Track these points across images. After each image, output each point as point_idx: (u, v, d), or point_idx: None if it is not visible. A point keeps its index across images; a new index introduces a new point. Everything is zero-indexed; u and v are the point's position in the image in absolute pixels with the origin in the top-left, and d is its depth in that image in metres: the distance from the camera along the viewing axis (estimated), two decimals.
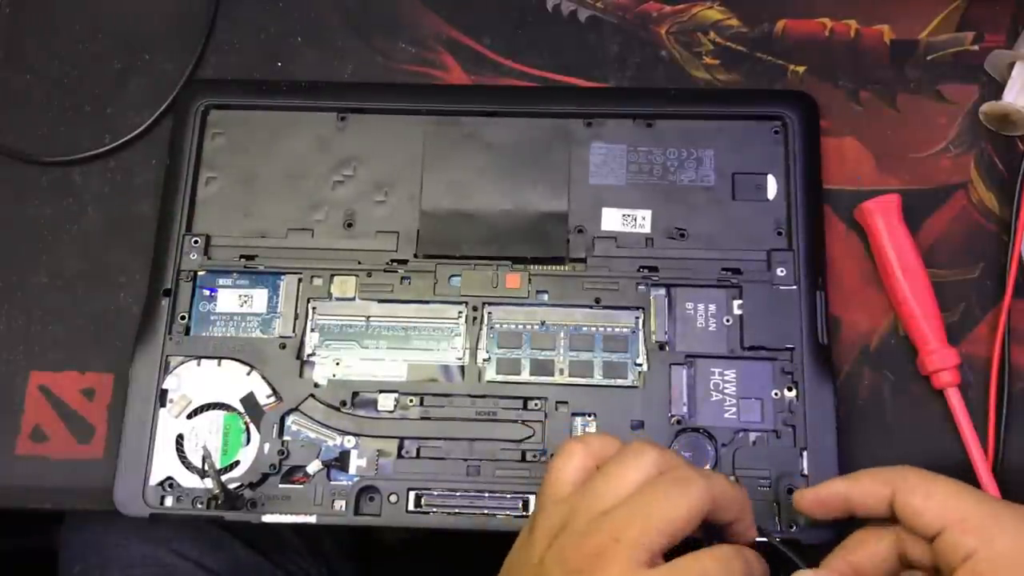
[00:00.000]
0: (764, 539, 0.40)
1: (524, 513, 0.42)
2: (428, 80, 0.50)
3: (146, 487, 0.43)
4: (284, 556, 0.55)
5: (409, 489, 0.43)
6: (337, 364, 0.45)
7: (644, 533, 0.32)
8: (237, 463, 0.43)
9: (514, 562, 0.36)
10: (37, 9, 0.52)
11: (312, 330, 0.45)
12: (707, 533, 0.35)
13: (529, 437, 0.43)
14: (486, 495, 0.43)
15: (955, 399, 0.44)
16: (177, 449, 0.43)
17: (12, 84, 0.51)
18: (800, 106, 0.47)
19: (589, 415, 0.43)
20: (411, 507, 0.42)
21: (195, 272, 0.46)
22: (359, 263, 0.46)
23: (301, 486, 0.43)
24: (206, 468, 0.42)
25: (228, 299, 0.46)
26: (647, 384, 0.44)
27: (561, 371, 0.44)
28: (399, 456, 0.43)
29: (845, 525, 0.40)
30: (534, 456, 0.43)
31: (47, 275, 0.48)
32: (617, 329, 0.45)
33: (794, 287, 0.44)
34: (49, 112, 0.50)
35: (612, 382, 0.44)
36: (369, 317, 0.45)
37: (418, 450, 0.43)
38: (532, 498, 0.42)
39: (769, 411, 0.43)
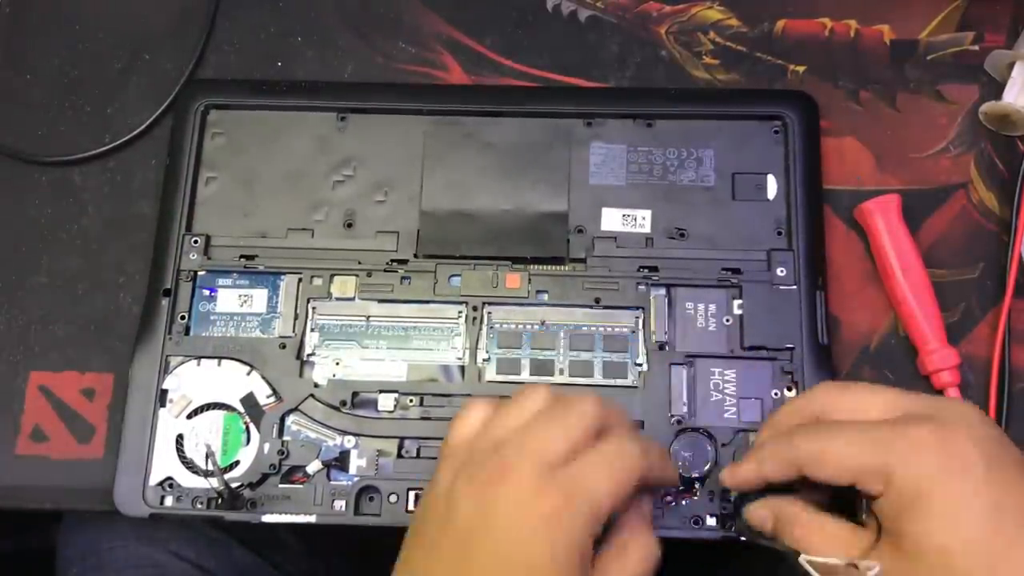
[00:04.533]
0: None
1: None
2: (428, 80, 0.50)
3: (146, 487, 0.43)
4: (282, 556, 0.55)
5: (409, 489, 0.42)
6: (337, 364, 0.45)
7: (545, 441, 0.33)
8: (237, 463, 0.43)
9: (421, 513, 0.36)
10: (37, 9, 0.52)
11: (312, 330, 0.45)
12: None
13: None
14: None
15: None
16: (177, 449, 0.43)
17: (12, 84, 0.51)
18: (800, 106, 0.47)
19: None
20: (411, 507, 0.42)
21: (195, 272, 0.46)
22: (359, 263, 0.46)
23: (301, 486, 0.43)
24: (209, 467, 0.42)
25: (228, 299, 0.46)
26: (647, 384, 0.44)
27: (561, 371, 0.44)
28: (399, 456, 0.43)
29: None
30: None
31: (47, 275, 0.48)
32: (617, 329, 0.45)
33: (794, 287, 0.44)
34: (49, 112, 0.50)
35: (612, 382, 0.44)
36: (369, 317, 0.45)
37: (418, 450, 0.43)
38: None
39: (769, 411, 0.43)
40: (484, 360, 0.44)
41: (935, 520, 0.32)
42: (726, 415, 0.43)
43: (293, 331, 0.45)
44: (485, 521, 0.33)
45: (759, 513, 0.38)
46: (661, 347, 0.44)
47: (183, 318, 0.45)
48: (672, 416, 0.43)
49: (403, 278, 0.45)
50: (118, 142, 0.49)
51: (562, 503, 0.32)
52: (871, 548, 0.34)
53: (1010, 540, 0.32)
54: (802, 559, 0.37)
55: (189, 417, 0.44)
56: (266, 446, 0.43)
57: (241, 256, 0.46)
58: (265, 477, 0.43)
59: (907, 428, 0.34)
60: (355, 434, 0.43)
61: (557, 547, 0.32)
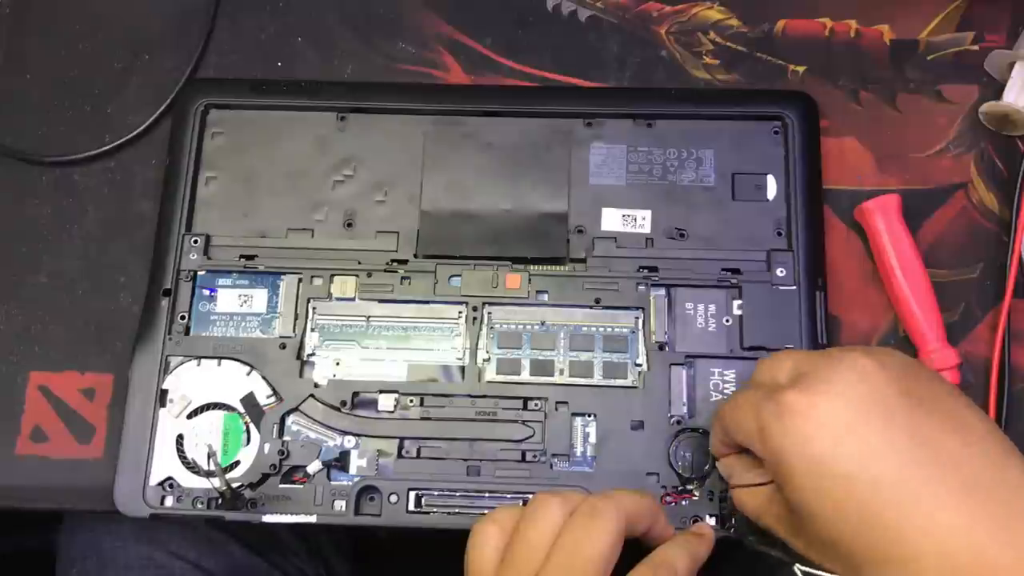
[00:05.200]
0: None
1: None
2: (428, 80, 0.50)
3: (146, 487, 0.43)
4: (282, 557, 0.55)
5: (409, 489, 0.42)
6: (337, 364, 0.45)
7: (585, 573, 0.33)
8: (237, 463, 0.43)
9: None
10: (37, 9, 0.52)
11: (312, 330, 0.45)
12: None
13: (529, 437, 0.43)
14: (486, 495, 0.43)
15: None
16: (177, 449, 0.43)
17: (12, 84, 0.51)
18: (800, 106, 0.47)
19: (589, 415, 0.43)
20: (411, 507, 0.42)
21: (195, 272, 0.46)
22: (359, 263, 0.46)
23: (301, 486, 0.43)
24: (211, 467, 0.42)
25: (228, 299, 0.46)
26: (647, 384, 0.44)
27: (561, 371, 0.44)
28: (399, 456, 0.43)
29: None
30: (534, 456, 0.43)
31: (47, 275, 0.48)
32: (617, 329, 0.45)
33: (794, 287, 0.44)
34: (49, 112, 0.50)
35: (612, 382, 0.44)
36: (369, 317, 0.45)
37: (418, 450, 0.43)
38: (521, 503, 0.42)
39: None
40: (484, 360, 0.44)
41: (800, 487, 0.33)
42: None
43: (293, 331, 0.45)
44: None
45: (722, 469, 0.40)
46: (661, 347, 0.44)
47: (183, 318, 0.45)
48: (672, 416, 0.43)
49: (403, 278, 0.45)
50: (118, 142, 0.49)
51: None
52: (772, 503, 0.36)
53: (871, 504, 0.31)
54: (796, 568, 0.37)
55: (189, 417, 0.44)
56: (266, 446, 0.43)
57: (241, 256, 0.46)
58: (265, 477, 0.43)
59: (780, 393, 0.34)
60: (355, 434, 0.43)
61: None
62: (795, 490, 0.33)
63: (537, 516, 0.35)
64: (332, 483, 0.43)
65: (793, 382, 0.34)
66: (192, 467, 0.43)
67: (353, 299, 0.45)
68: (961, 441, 0.32)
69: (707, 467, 0.42)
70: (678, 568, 0.36)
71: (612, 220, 0.46)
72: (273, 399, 0.44)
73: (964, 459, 0.31)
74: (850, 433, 0.32)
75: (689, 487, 0.42)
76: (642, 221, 0.46)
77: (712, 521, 0.42)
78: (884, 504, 0.31)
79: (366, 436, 0.43)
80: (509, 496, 0.42)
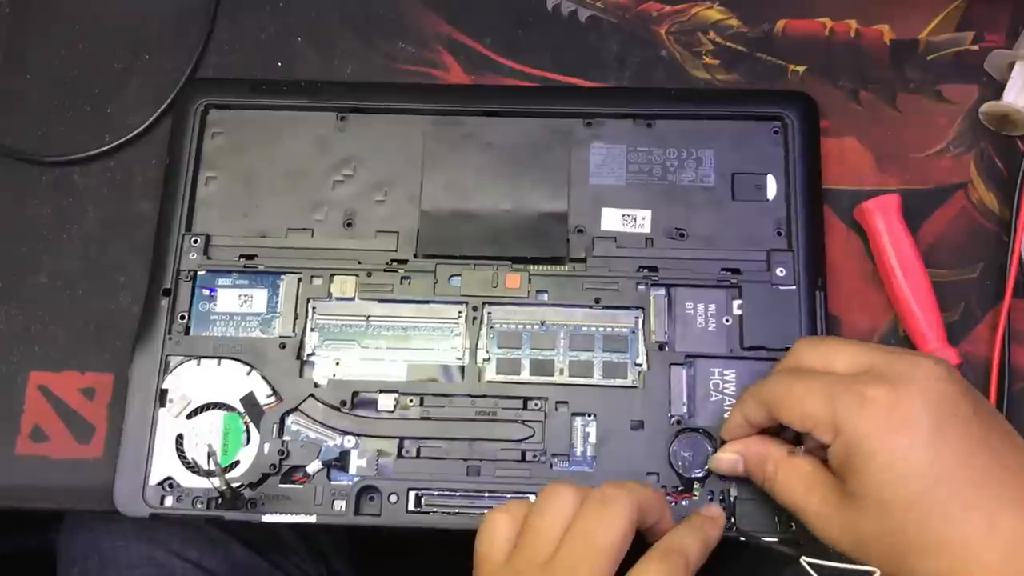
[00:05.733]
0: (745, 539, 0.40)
1: None
2: (428, 80, 0.50)
3: (146, 487, 0.43)
4: (282, 556, 0.55)
5: (409, 489, 0.42)
6: (337, 364, 0.45)
7: (596, 563, 0.34)
8: (237, 463, 0.43)
9: None
10: (37, 9, 0.52)
11: (312, 330, 0.45)
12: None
13: (529, 437, 0.43)
14: (486, 495, 0.43)
15: None
16: (177, 449, 0.43)
17: (12, 84, 0.51)
18: (800, 106, 0.47)
19: (589, 415, 0.43)
20: (411, 507, 0.42)
21: (195, 272, 0.46)
22: (359, 263, 0.46)
23: (301, 486, 0.43)
24: (211, 466, 0.42)
25: (228, 299, 0.46)
26: (647, 384, 0.44)
27: (561, 371, 0.44)
28: (399, 456, 0.43)
29: None
30: (534, 456, 0.43)
31: (47, 275, 0.48)
32: (617, 329, 0.45)
33: (794, 287, 0.44)
34: (49, 112, 0.50)
35: (612, 382, 0.44)
36: (369, 317, 0.45)
37: (418, 450, 0.43)
38: (532, 498, 0.42)
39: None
40: (484, 360, 0.44)
41: (874, 476, 0.34)
42: (726, 415, 0.43)
43: (293, 331, 0.45)
44: None
45: (728, 457, 0.40)
46: (661, 347, 0.44)
47: (183, 318, 0.45)
48: (672, 416, 0.43)
49: (403, 278, 0.45)
50: (118, 142, 0.49)
51: None
52: (824, 489, 0.36)
53: (944, 501, 0.33)
54: (803, 560, 0.37)
55: (189, 417, 0.44)
56: (266, 446, 0.43)
57: (241, 256, 0.46)
58: (265, 477, 0.43)
59: (861, 385, 0.35)
60: (355, 434, 0.43)
61: None
62: (865, 478, 0.34)
63: (549, 505, 0.36)
64: (332, 483, 0.43)
65: (873, 376, 0.35)
66: (192, 467, 0.43)
67: (353, 299, 0.45)
68: (1018, 455, 0.35)
69: (707, 467, 0.42)
70: (690, 553, 0.36)
71: (612, 220, 0.46)
72: (273, 399, 0.44)
73: (1020, 471, 0.34)
74: (934, 432, 0.34)
75: (689, 487, 0.42)
76: (642, 221, 0.46)
77: None
78: (953, 502, 0.33)
79: (366, 436, 0.43)
80: (509, 496, 0.42)
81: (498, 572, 0.36)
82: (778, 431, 0.40)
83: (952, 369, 0.36)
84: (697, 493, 0.42)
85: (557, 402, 0.43)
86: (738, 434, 0.40)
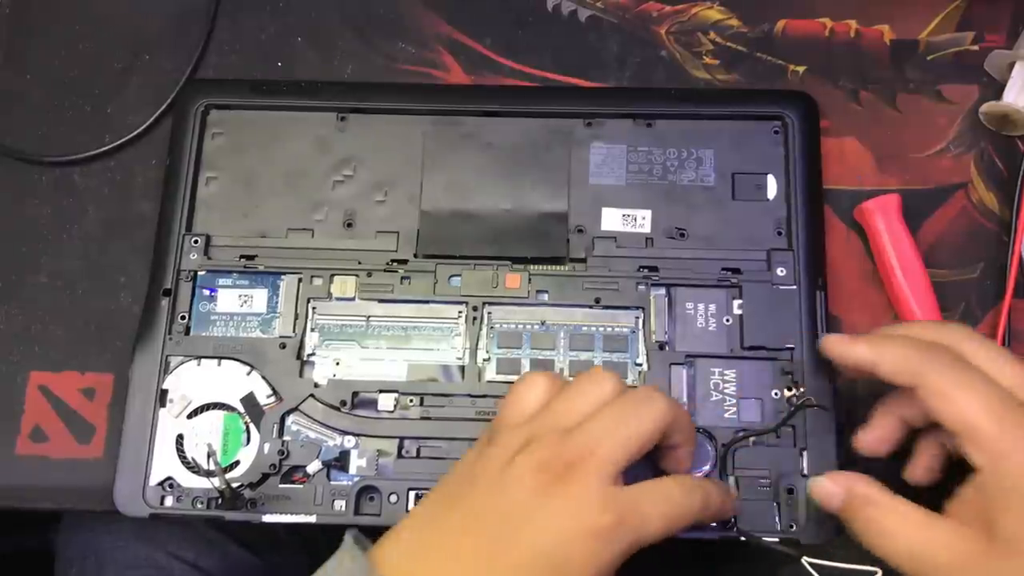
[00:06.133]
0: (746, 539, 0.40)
1: None
2: (428, 80, 0.50)
3: (146, 487, 0.43)
4: (281, 557, 0.55)
5: (409, 489, 0.42)
6: (337, 364, 0.45)
7: (615, 448, 0.34)
8: (237, 463, 0.43)
9: (464, 474, 0.36)
10: (37, 9, 0.52)
11: (312, 330, 0.45)
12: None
13: None
14: None
15: None
16: (177, 449, 0.43)
17: (12, 84, 0.51)
18: (800, 106, 0.47)
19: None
20: (411, 507, 0.42)
21: (195, 272, 0.46)
22: (359, 263, 0.46)
23: (301, 486, 0.43)
24: (211, 466, 0.42)
25: (228, 299, 0.46)
26: (647, 384, 0.44)
27: (561, 371, 0.44)
28: (399, 456, 0.43)
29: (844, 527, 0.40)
30: None
31: (47, 275, 0.48)
32: (617, 329, 0.45)
33: (794, 287, 0.44)
34: (49, 112, 0.50)
35: None
36: (369, 317, 0.45)
37: (418, 450, 0.43)
38: None
39: (769, 411, 0.43)
40: (484, 360, 0.44)
41: None
42: (726, 415, 0.43)
43: (293, 331, 0.45)
44: (539, 511, 0.33)
45: (828, 488, 0.37)
46: (661, 347, 0.44)
47: (183, 318, 0.45)
48: None
49: (403, 278, 0.45)
50: (118, 142, 0.49)
51: (615, 524, 0.33)
52: (950, 537, 0.33)
53: None
54: (804, 560, 0.37)
55: (189, 417, 0.44)
56: (266, 446, 0.43)
57: (241, 256, 0.46)
58: (265, 477, 0.43)
59: None
60: (355, 434, 0.43)
61: (594, 563, 0.33)
62: None
63: (589, 384, 0.36)
64: (332, 483, 0.43)
65: None
66: (192, 467, 0.43)
67: (353, 299, 0.45)
68: None
69: (707, 467, 0.42)
70: (710, 501, 0.36)
71: (612, 220, 0.46)
72: (273, 399, 0.44)
73: None
74: None
75: None
76: (642, 221, 0.46)
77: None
78: None
79: (366, 436, 0.43)
80: None
81: (513, 429, 0.36)
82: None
83: None
84: None
85: None
86: (886, 430, 0.38)
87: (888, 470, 0.39)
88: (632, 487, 0.34)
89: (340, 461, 0.43)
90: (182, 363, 0.44)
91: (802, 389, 0.42)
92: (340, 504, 0.42)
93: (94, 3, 0.52)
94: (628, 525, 0.33)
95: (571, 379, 0.39)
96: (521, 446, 0.35)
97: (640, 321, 0.45)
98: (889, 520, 0.34)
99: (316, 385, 0.44)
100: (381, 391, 0.44)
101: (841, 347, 0.38)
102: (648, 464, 0.38)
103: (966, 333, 0.36)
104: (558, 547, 0.33)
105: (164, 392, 0.44)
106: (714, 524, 0.41)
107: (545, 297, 0.45)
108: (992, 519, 0.32)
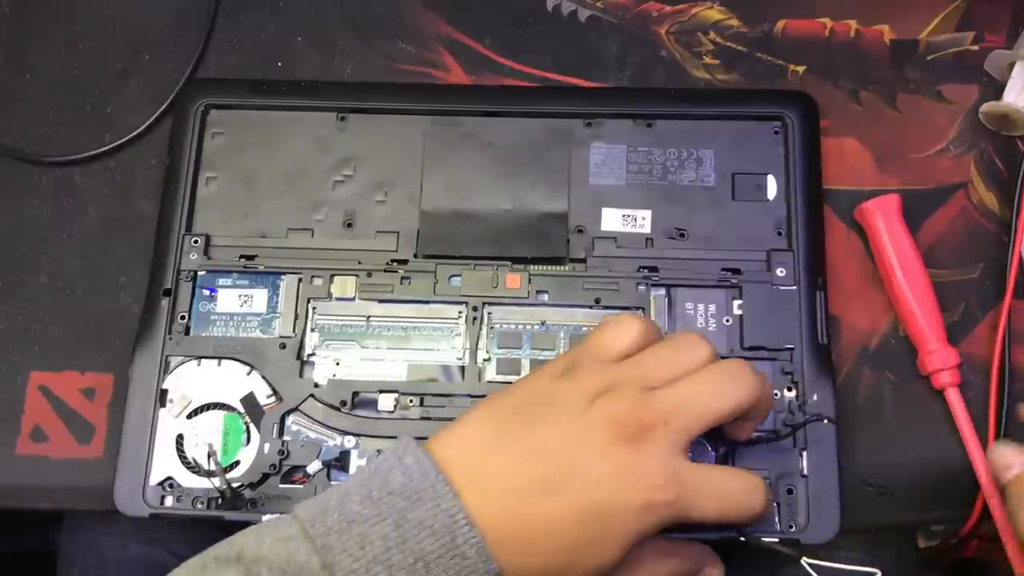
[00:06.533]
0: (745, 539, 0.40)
1: None
2: (428, 80, 0.50)
3: (146, 487, 0.43)
4: None
5: None
6: (337, 364, 0.45)
7: (692, 420, 0.34)
8: (237, 463, 0.43)
9: (537, 398, 0.36)
10: (37, 9, 0.52)
11: (312, 330, 0.45)
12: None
13: None
14: None
15: (955, 399, 0.44)
16: (177, 449, 0.43)
17: (12, 84, 0.51)
18: (800, 106, 0.47)
19: None
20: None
21: (195, 272, 0.46)
22: (359, 263, 0.46)
23: (301, 486, 0.43)
24: (211, 466, 0.42)
25: (228, 299, 0.46)
26: None
27: None
28: None
29: (844, 527, 0.40)
30: None
31: (47, 275, 0.48)
32: None
33: (794, 287, 0.44)
34: (49, 112, 0.50)
35: None
36: (369, 317, 0.45)
37: None
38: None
39: (769, 411, 0.43)
40: (484, 360, 0.44)
41: None
42: None
43: (293, 331, 0.45)
44: (603, 464, 0.33)
45: (1008, 457, 0.38)
46: None
47: (183, 318, 0.45)
48: None
49: (403, 278, 0.45)
50: (118, 142, 0.49)
51: (670, 501, 0.33)
52: None
53: None
54: (804, 561, 0.37)
55: (189, 417, 0.44)
56: (266, 446, 0.43)
57: (241, 256, 0.46)
58: (265, 477, 0.43)
59: None
60: (355, 434, 0.43)
61: (637, 529, 0.33)
62: None
63: (686, 345, 0.36)
64: (332, 483, 0.43)
65: None
66: (192, 467, 0.43)
67: (353, 299, 0.45)
68: None
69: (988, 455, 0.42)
70: (763, 508, 0.36)
71: (612, 220, 0.46)
72: (273, 399, 0.44)
73: None
74: None
75: None
76: (642, 221, 0.46)
77: None
78: None
79: (366, 436, 0.43)
80: None
81: (599, 367, 0.36)
82: None
83: None
84: None
85: None
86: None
87: None
88: (699, 468, 0.34)
89: (340, 461, 0.43)
90: (182, 363, 0.44)
91: (811, 405, 0.42)
92: None
93: (94, 3, 0.52)
94: (681, 504, 0.34)
95: (666, 334, 0.39)
96: (602, 390, 0.35)
97: None
98: None
99: (316, 385, 0.44)
100: (381, 391, 0.44)
101: (994, 458, 0.39)
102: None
103: None
104: (610, 505, 0.33)
105: (164, 392, 0.44)
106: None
107: (545, 297, 0.45)
108: None
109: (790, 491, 0.41)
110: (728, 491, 0.35)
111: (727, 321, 0.44)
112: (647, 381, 0.35)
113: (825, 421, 0.41)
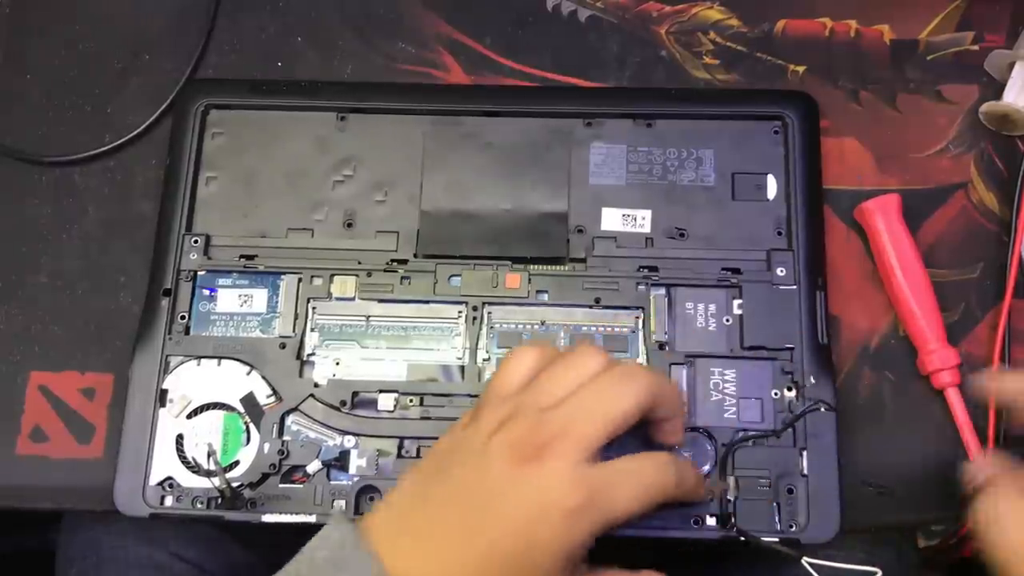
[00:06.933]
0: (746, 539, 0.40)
1: None
2: (428, 80, 0.50)
3: (146, 487, 0.43)
4: (281, 556, 0.55)
5: None
6: (337, 364, 0.45)
7: (588, 428, 0.34)
8: (237, 463, 0.43)
9: (450, 448, 0.37)
10: (37, 9, 0.52)
11: (312, 330, 0.45)
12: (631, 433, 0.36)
13: None
14: None
15: (955, 399, 0.44)
16: (177, 449, 0.43)
17: (12, 84, 0.51)
18: (800, 106, 0.47)
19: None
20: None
21: (195, 272, 0.46)
22: (359, 263, 0.46)
23: (301, 486, 0.43)
24: (211, 466, 0.42)
25: (228, 299, 0.46)
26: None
27: None
28: (399, 456, 0.43)
29: (844, 527, 0.40)
30: None
31: (47, 275, 0.48)
32: (617, 329, 0.45)
33: (794, 287, 0.44)
34: (49, 112, 0.50)
35: None
36: (369, 317, 0.45)
37: (418, 450, 0.43)
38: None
39: (769, 411, 0.43)
40: (484, 360, 0.44)
41: None
42: (726, 415, 0.43)
43: (293, 331, 0.45)
44: (513, 489, 0.34)
45: (980, 464, 0.39)
46: (661, 347, 0.44)
47: (183, 318, 0.45)
48: None
49: (403, 278, 0.45)
50: (118, 142, 0.49)
51: (585, 503, 0.33)
52: None
53: None
54: (804, 561, 0.37)
55: (189, 417, 0.44)
56: (266, 446, 0.43)
57: (241, 256, 0.46)
58: (265, 477, 0.43)
59: None
60: (355, 434, 0.43)
61: (564, 541, 0.33)
62: None
63: (577, 360, 0.36)
64: (332, 483, 0.43)
65: None
66: (192, 467, 0.43)
67: (353, 299, 0.45)
68: None
69: (707, 467, 0.42)
70: (684, 480, 0.36)
71: (612, 220, 0.46)
72: (273, 399, 0.44)
73: None
74: None
75: None
76: (642, 221, 0.46)
77: (712, 521, 0.41)
78: None
79: (366, 436, 0.43)
80: None
81: (498, 401, 0.36)
82: None
83: None
84: None
85: None
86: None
87: None
88: (604, 465, 0.34)
89: (340, 461, 0.43)
90: (182, 363, 0.44)
91: (808, 389, 0.42)
92: (340, 504, 0.42)
93: (94, 3, 0.52)
94: (598, 504, 0.34)
95: (565, 348, 0.39)
96: (502, 422, 0.35)
97: (640, 321, 0.45)
98: (1014, 511, 0.36)
99: (316, 385, 0.44)
100: (381, 391, 0.44)
101: (972, 468, 0.39)
102: (639, 437, 0.38)
103: None
104: (529, 525, 0.33)
105: (164, 392, 0.44)
106: (714, 525, 0.41)
107: (545, 297, 0.45)
108: None
109: (790, 491, 0.41)
110: (639, 473, 0.35)
111: (727, 321, 0.44)
112: (544, 402, 0.35)
113: (823, 408, 0.41)
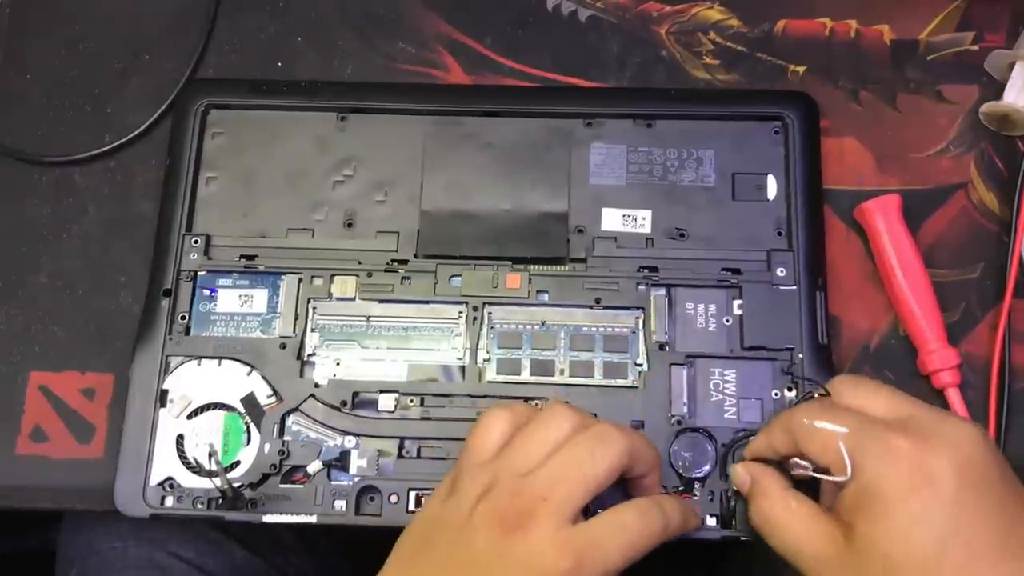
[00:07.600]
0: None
1: None
2: (428, 80, 0.50)
3: (146, 487, 0.43)
4: (282, 557, 0.55)
5: (410, 489, 0.42)
6: (337, 364, 0.45)
7: (570, 491, 0.34)
8: (237, 463, 0.43)
9: (433, 521, 0.37)
10: (37, 9, 0.52)
11: (312, 330, 0.45)
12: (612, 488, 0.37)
13: None
14: None
15: (955, 399, 0.44)
16: (177, 449, 0.43)
17: (12, 84, 0.51)
18: (800, 106, 0.47)
19: (589, 415, 0.43)
20: (412, 507, 0.42)
21: (195, 272, 0.46)
22: (359, 263, 0.46)
23: (301, 486, 0.43)
24: (212, 466, 0.42)
25: (228, 299, 0.46)
26: (647, 384, 0.44)
27: (561, 371, 0.44)
28: (400, 456, 0.43)
29: None
30: None
31: (47, 275, 0.48)
32: (617, 329, 0.45)
33: (794, 287, 0.44)
34: (49, 112, 0.50)
35: (612, 382, 0.44)
36: (369, 317, 0.45)
37: (419, 450, 0.43)
38: (539, 403, 0.43)
39: (769, 411, 0.43)
40: (484, 360, 0.44)
41: (885, 528, 0.33)
42: (726, 415, 0.43)
43: (293, 331, 0.45)
44: (500, 561, 0.34)
45: (740, 474, 0.40)
46: (661, 347, 0.44)
47: (183, 318, 0.45)
48: (672, 416, 0.43)
49: (403, 278, 0.45)
50: (118, 142, 0.49)
51: (574, 566, 0.33)
52: (825, 533, 0.35)
53: (958, 568, 0.32)
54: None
55: (189, 417, 0.44)
56: (266, 446, 0.43)
57: (241, 256, 0.46)
58: (265, 477, 0.43)
59: (890, 432, 0.34)
60: (355, 434, 0.43)
61: None
62: (874, 530, 0.33)
63: (550, 421, 0.36)
64: (332, 483, 0.43)
65: (904, 427, 0.34)
66: (192, 467, 0.43)
67: (353, 299, 0.45)
68: None
69: (707, 467, 0.42)
70: (670, 521, 0.36)
71: (612, 220, 0.46)
72: (273, 399, 0.44)
73: None
74: (956, 495, 0.32)
75: (689, 487, 0.42)
76: (642, 221, 0.46)
77: (712, 521, 0.41)
78: (964, 571, 0.32)
79: (366, 436, 0.43)
80: None
81: (476, 469, 0.36)
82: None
83: (986, 436, 0.34)
84: (698, 493, 0.42)
85: None
86: (760, 455, 0.39)
87: None
88: (589, 524, 0.35)
89: (340, 461, 0.43)
90: (182, 363, 0.44)
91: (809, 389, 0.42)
92: (340, 504, 0.42)
93: (94, 3, 0.52)
94: (587, 565, 0.34)
95: (538, 404, 0.40)
96: (482, 493, 0.35)
97: (640, 321, 0.45)
98: (777, 511, 0.37)
99: (316, 385, 0.44)
100: (381, 391, 0.44)
101: (747, 451, 0.40)
102: (619, 489, 0.38)
103: (840, 380, 0.38)
104: None
105: (164, 392, 0.44)
106: (714, 525, 0.41)
107: (545, 297, 0.45)
108: (851, 526, 0.34)
109: None
110: (623, 526, 0.35)
111: (727, 321, 0.44)
112: (521, 466, 0.35)
113: (820, 392, 0.41)
